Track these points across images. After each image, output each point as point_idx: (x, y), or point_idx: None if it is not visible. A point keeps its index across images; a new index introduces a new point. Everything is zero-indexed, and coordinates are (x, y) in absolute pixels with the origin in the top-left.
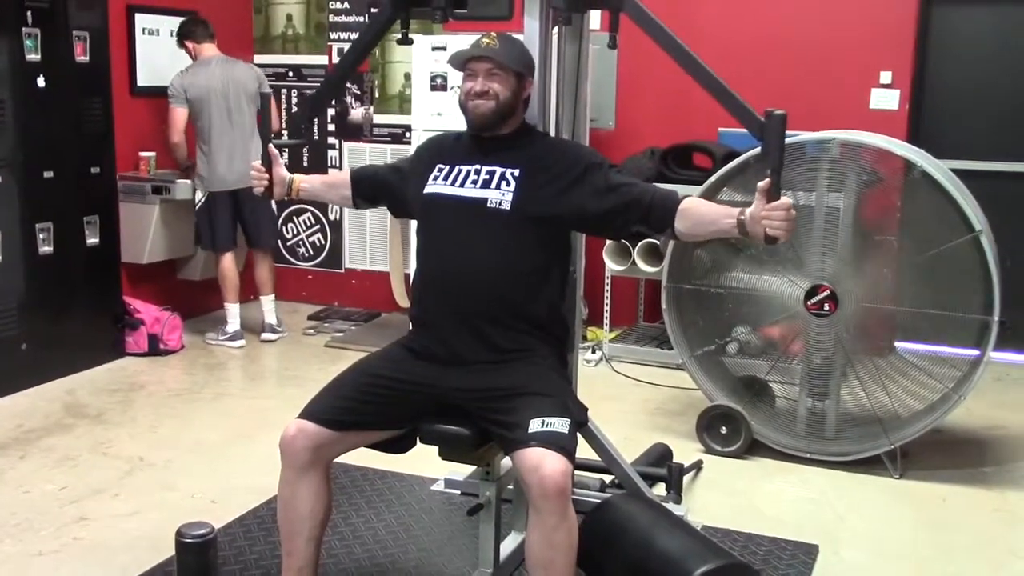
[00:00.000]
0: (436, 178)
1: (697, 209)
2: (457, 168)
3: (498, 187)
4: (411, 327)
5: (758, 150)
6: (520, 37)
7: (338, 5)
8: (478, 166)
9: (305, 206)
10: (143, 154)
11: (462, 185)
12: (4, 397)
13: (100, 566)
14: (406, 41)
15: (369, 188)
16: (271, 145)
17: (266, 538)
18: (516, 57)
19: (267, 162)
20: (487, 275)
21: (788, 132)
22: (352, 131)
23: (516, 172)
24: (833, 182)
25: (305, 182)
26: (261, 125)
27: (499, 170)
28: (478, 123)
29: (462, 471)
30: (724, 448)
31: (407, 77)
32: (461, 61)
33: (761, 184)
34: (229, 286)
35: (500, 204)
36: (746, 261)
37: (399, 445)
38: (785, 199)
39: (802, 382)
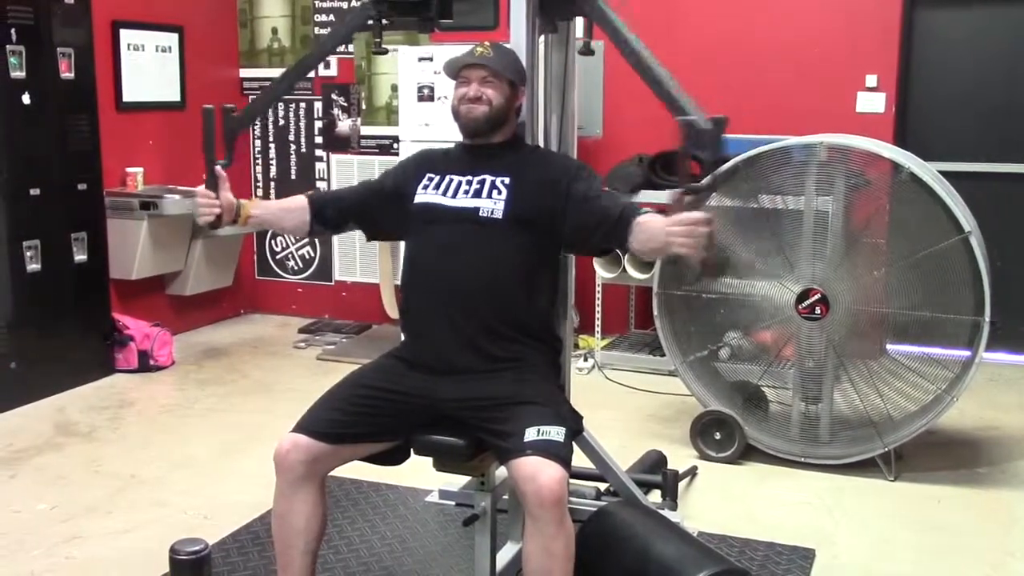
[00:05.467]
0: (426, 187)
1: (648, 224)
2: (448, 178)
3: (489, 196)
4: (403, 338)
5: (748, 154)
6: (507, 46)
7: (323, 18)
8: (469, 176)
9: None
10: (130, 170)
11: (453, 195)
12: None
13: None
14: (381, 51)
15: (334, 213)
16: (218, 167)
17: (260, 553)
18: (509, 66)
19: (213, 186)
20: (480, 284)
21: (775, 136)
22: (340, 143)
23: (507, 180)
24: (821, 186)
25: (256, 208)
26: (205, 144)
27: (489, 178)
28: (471, 128)
29: (457, 482)
30: (718, 454)
31: (394, 88)
32: (455, 69)
33: (669, 194)
34: None
35: (492, 213)
36: (737, 266)
37: (393, 457)
38: (694, 213)
39: (795, 386)
